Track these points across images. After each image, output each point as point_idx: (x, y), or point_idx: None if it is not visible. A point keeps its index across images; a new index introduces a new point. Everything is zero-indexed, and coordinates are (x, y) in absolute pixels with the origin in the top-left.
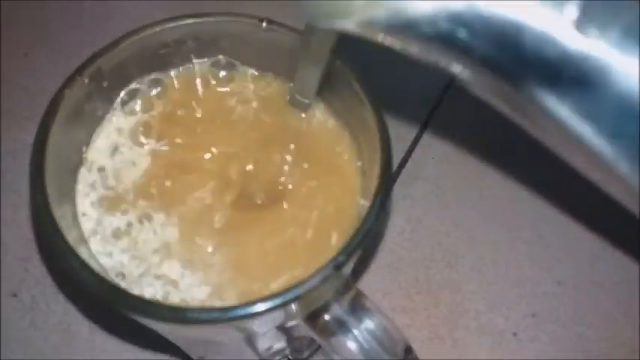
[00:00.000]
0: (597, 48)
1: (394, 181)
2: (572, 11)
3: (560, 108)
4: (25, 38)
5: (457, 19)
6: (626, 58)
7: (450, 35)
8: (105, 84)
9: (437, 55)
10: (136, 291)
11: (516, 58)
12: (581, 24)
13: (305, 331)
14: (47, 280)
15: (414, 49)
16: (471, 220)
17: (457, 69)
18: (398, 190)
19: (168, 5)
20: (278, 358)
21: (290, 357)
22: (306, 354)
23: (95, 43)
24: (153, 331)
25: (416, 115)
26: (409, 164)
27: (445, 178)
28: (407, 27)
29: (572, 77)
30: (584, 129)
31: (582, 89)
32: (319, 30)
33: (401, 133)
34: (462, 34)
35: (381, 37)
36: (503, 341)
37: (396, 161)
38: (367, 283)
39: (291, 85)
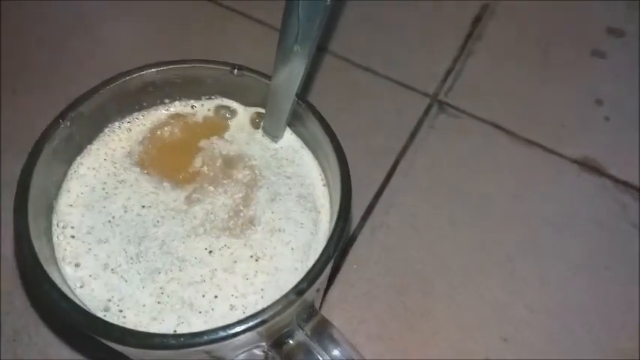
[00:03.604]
0: None
1: (371, 209)
2: None
3: None
4: (15, 77)
5: None
6: None
7: None
8: (85, 125)
9: None
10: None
11: None
12: None
13: (272, 356)
14: (30, 313)
15: None
16: (443, 247)
17: None
18: (374, 218)
19: (148, 46)
20: None
21: None
22: None
23: (78, 82)
24: None
25: (392, 146)
26: (385, 193)
27: (419, 207)
28: None
29: None
30: None
31: None
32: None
33: (377, 163)
34: None
35: None
36: None
37: (372, 190)
38: (343, 310)
39: (262, 123)
